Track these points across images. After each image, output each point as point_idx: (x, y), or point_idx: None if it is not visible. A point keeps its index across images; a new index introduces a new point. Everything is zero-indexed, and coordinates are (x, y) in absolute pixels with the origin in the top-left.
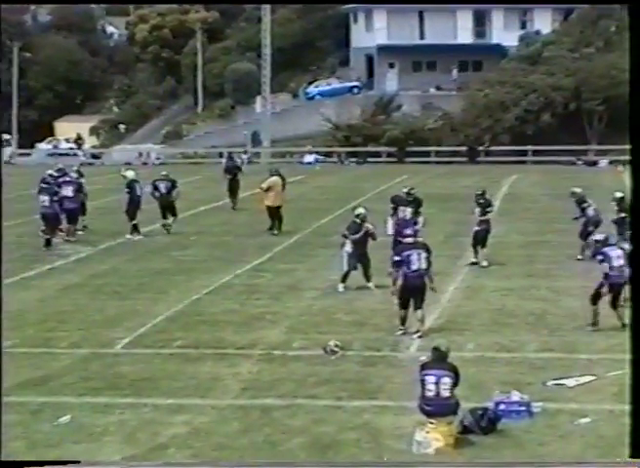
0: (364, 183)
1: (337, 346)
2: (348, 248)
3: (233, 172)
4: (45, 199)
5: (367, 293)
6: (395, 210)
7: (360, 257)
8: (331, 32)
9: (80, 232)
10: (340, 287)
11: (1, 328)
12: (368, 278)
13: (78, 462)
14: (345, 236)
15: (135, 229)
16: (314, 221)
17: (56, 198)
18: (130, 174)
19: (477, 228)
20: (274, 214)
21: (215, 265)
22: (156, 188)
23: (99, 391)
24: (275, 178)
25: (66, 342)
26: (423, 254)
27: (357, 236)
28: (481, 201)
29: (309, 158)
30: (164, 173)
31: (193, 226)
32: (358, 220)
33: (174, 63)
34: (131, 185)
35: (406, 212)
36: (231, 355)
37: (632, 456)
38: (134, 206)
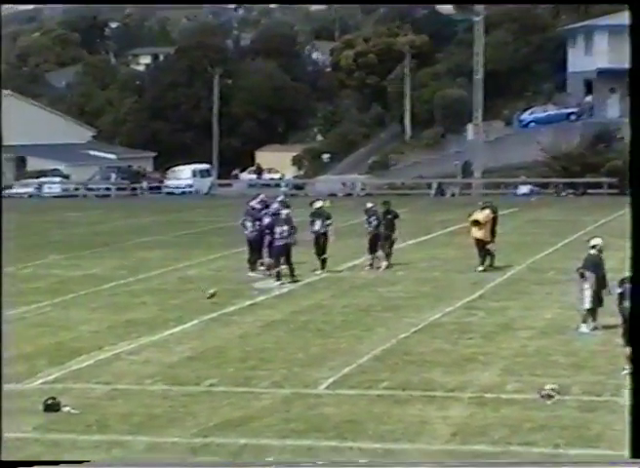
0: (583, 216)
1: (553, 390)
2: (592, 283)
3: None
4: (251, 230)
5: (586, 334)
6: None
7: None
8: (548, 55)
9: (283, 266)
10: (584, 327)
11: (1, 337)
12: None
13: (88, 461)
14: (582, 273)
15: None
16: (529, 257)
17: (259, 228)
18: (318, 204)
19: None
20: (483, 248)
21: (423, 302)
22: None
23: (301, 433)
24: (487, 212)
25: (268, 381)
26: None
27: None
28: None
29: (524, 189)
30: (370, 204)
31: (400, 261)
32: (595, 251)
33: (380, 90)
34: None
35: None
36: (441, 397)
37: (632, 456)
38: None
